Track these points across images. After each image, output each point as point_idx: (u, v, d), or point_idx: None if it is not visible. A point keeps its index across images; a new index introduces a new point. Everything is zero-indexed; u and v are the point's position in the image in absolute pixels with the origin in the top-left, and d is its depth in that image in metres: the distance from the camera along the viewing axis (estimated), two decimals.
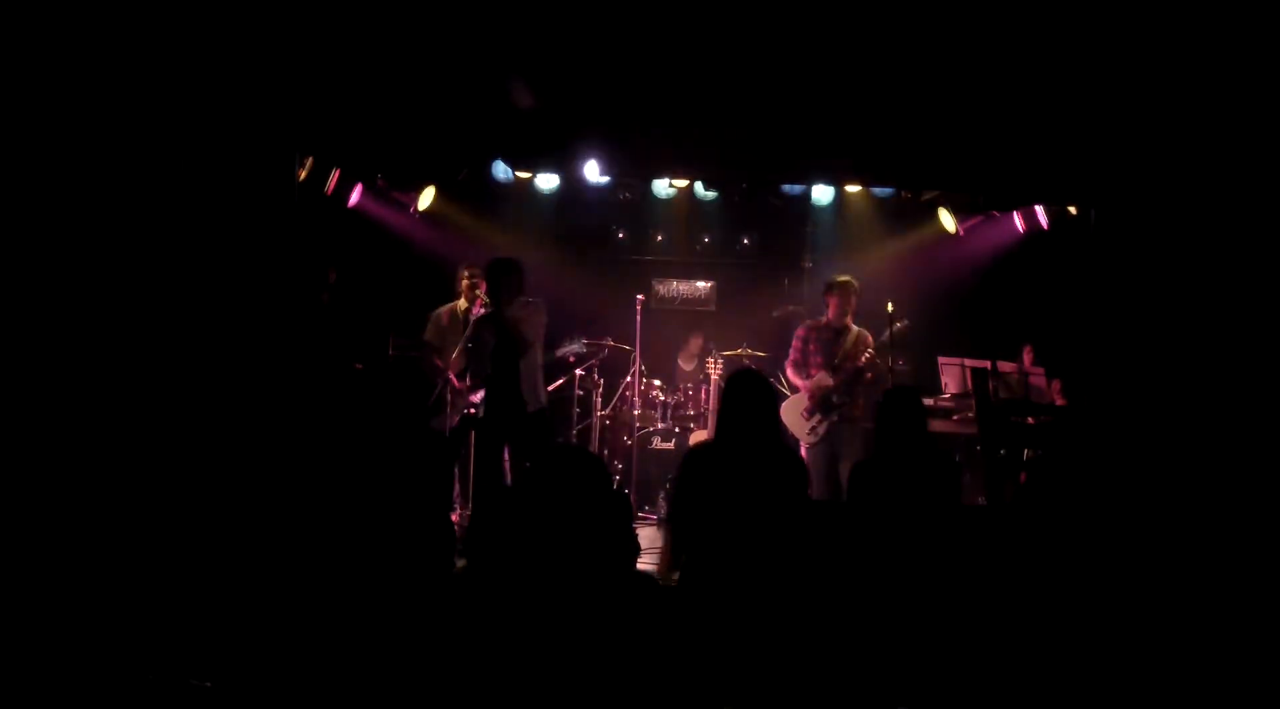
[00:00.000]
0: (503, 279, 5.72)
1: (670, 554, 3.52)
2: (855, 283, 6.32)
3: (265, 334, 4.77)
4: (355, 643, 3.61)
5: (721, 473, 3.41)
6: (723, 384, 3.98)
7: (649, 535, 6.11)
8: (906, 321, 6.26)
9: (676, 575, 3.49)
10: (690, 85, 5.24)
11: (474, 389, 6.38)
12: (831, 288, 6.34)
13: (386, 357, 7.40)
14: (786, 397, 6.56)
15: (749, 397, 3.48)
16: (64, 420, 4.41)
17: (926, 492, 3.67)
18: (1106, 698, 3.50)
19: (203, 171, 4.66)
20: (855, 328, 6.32)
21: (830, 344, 6.29)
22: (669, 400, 7.37)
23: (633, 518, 6.44)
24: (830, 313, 6.33)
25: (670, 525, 3.58)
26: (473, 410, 6.30)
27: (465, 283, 6.63)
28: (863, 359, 6.13)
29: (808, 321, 6.51)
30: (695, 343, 8.07)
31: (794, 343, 6.43)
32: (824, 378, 6.20)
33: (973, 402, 5.91)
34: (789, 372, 6.45)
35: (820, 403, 6.18)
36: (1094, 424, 4.99)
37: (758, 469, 3.39)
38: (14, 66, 4.37)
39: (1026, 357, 6.86)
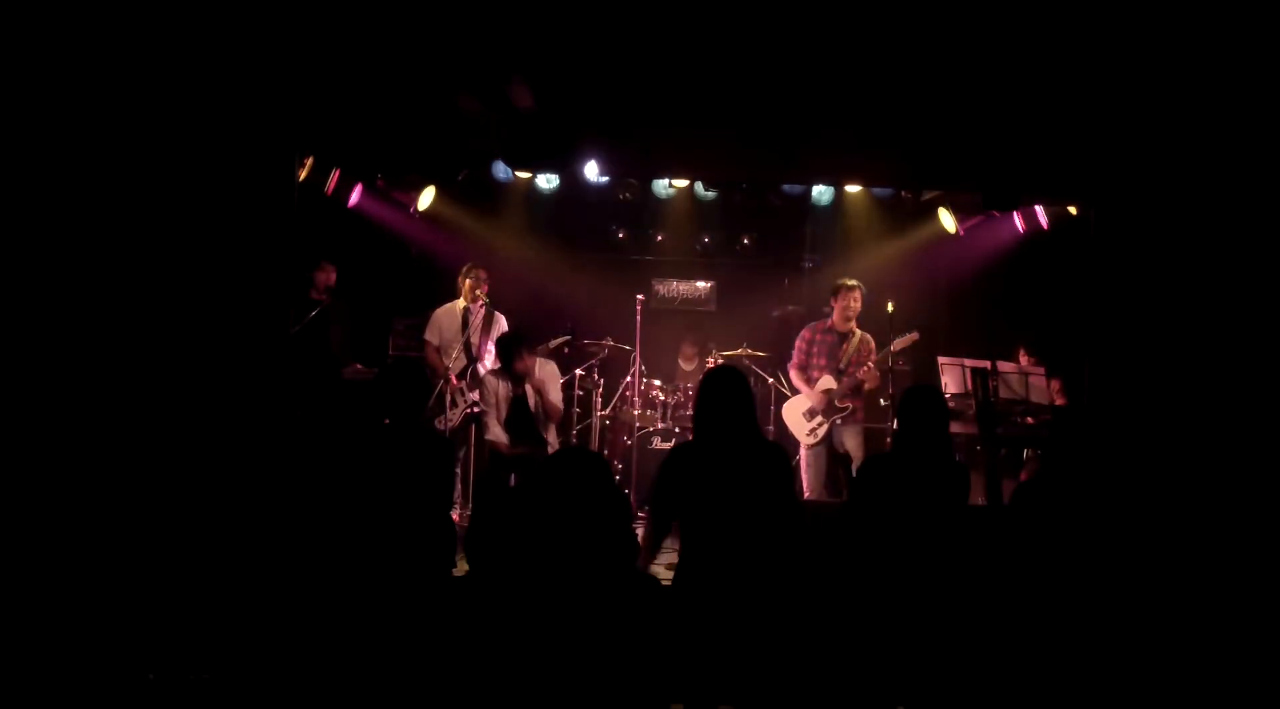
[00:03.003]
0: (514, 350, 5.95)
1: (649, 545, 3.52)
2: (860, 286, 6.30)
3: (265, 333, 4.77)
4: (356, 641, 3.61)
5: (702, 469, 3.41)
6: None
7: None
8: (916, 334, 6.24)
9: (657, 569, 3.52)
10: (691, 85, 5.24)
11: (474, 387, 6.39)
12: (835, 290, 6.34)
13: (386, 356, 7.42)
14: (787, 397, 6.57)
15: (720, 393, 3.48)
16: (63, 419, 4.42)
17: (936, 492, 3.66)
18: (1106, 698, 3.50)
19: (203, 171, 4.67)
20: (859, 332, 6.31)
21: (834, 348, 6.29)
22: (669, 400, 7.37)
23: (633, 518, 6.45)
24: (835, 315, 6.32)
25: (650, 516, 3.59)
26: (475, 409, 6.31)
27: (466, 283, 6.64)
28: (862, 372, 6.12)
29: (811, 324, 6.50)
30: (690, 348, 8.07)
31: (797, 343, 6.42)
32: (828, 382, 6.20)
33: (973, 402, 5.91)
34: (792, 374, 6.44)
35: (823, 407, 6.18)
36: (1094, 424, 4.99)
37: (738, 465, 3.39)
38: (15, 66, 4.37)
39: (1022, 357, 6.86)
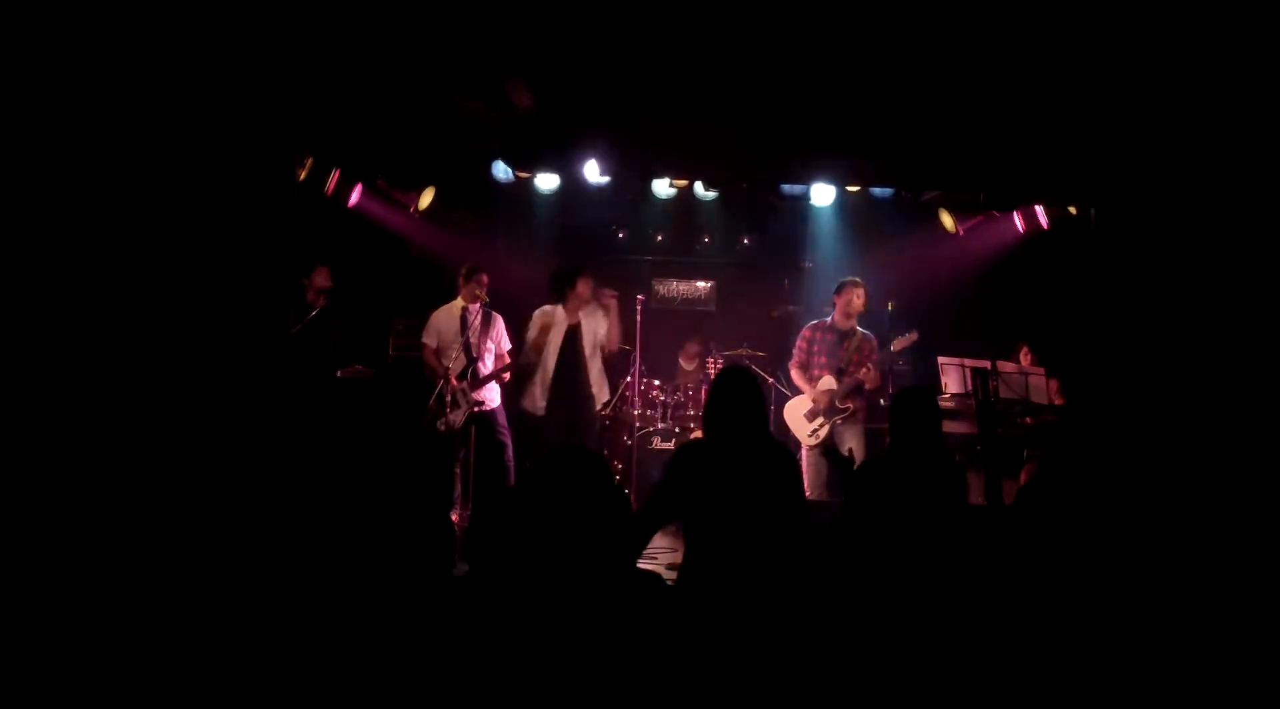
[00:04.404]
0: (572, 276, 6.28)
1: (635, 540, 3.48)
2: (860, 284, 6.31)
3: (264, 334, 4.77)
4: (355, 644, 3.61)
5: (711, 469, 3.40)
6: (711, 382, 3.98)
7: None
8: (915, 334, 6.23)
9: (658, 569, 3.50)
10: (691, 84, 5.24)
11: (475, 387, 6.39)
12: (839, 288, 6.34)
13: (387, 356, 7.41)
14: (788, 397, 6.57)
15: (734, 393, 3.47)
16: (59, 420, 4.41)
17: (933, 493, 3.66)
18: (1107, 698, 3.50)
19: (202, 171, 4.66)
20: (861, 330, 6.31)
21: (835, 347, 6.28)
22: (669, 400, 7.37)
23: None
24: (836, 313, 6.32)
25: (643, 511, 3.50)
26: (478, 409, 6.31)
27: (467, 285, 6.64)
28: (863, 373, 6.12)
29: (812, 323, 6.49)
30: (693, 348, 8.08)
31: (798, 343, 6.41)
32: (829, 382, 6.19)
33: (973, 402, 5.91)
34: (793, 373, 6.44)
35: (825, 407, 6.18)
36: (1094, 424, 4.99)
37: (747, 466, 3.38)
38: (15, 65, 4.37)
39: (1024, 357, 6.86)
